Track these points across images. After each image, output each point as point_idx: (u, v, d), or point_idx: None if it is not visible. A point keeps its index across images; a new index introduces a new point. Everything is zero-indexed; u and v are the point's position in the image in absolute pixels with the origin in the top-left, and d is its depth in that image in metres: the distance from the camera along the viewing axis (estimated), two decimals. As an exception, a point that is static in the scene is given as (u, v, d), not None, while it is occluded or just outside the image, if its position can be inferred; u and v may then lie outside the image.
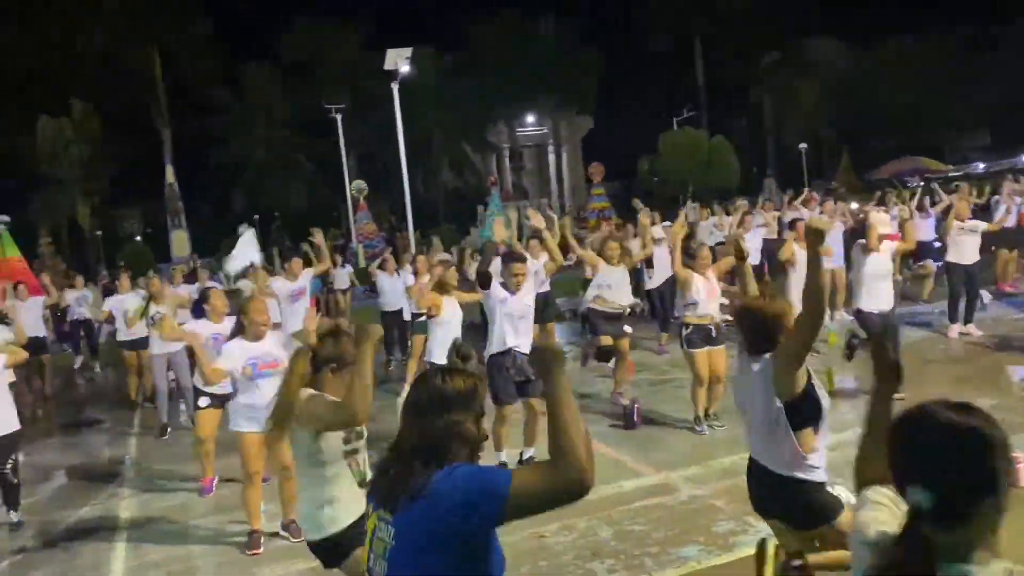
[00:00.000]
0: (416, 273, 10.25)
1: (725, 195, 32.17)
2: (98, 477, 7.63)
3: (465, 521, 1.80)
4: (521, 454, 6.36)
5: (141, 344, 9.82)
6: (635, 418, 7.28)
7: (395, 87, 23.54)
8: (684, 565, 4.56)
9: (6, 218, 20.80)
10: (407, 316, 10.76)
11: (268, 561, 5.19)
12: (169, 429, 8.87)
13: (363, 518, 3.34)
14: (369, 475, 3.41)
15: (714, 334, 7.03)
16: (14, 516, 6.34)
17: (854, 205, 14.63)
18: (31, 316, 11.10)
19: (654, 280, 11.01)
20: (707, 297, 7.03)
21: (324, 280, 15.49)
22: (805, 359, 3.22)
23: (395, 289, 11.12)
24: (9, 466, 6.25)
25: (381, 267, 11.78)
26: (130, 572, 5.30)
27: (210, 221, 42.80)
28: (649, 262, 10.73)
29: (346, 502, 3.28)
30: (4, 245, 20.12)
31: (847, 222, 11.85)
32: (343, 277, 16.62)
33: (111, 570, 5.36)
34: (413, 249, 21.55)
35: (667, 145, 41.34)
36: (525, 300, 6.29)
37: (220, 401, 6.28)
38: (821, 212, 13.18)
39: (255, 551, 5.31)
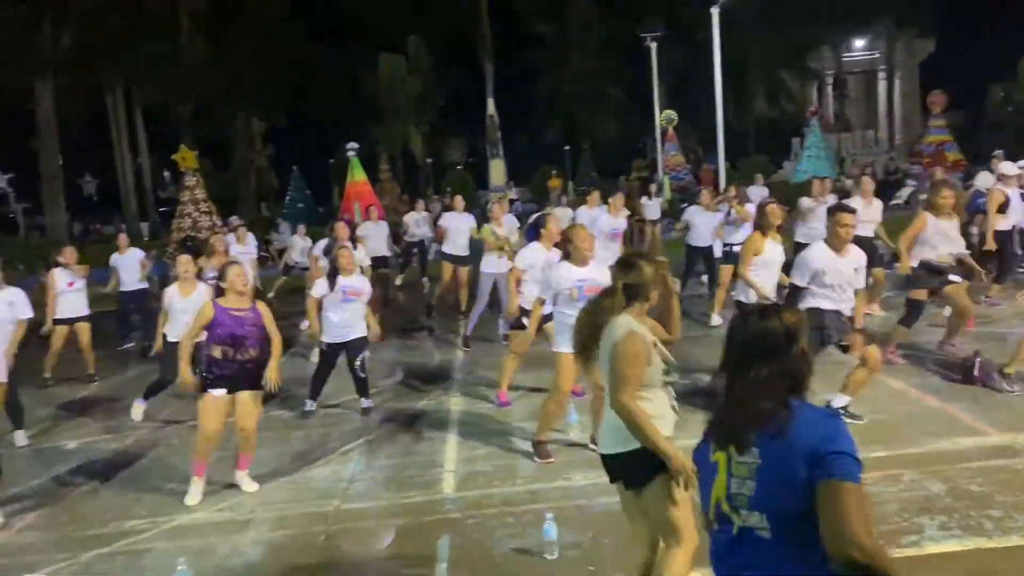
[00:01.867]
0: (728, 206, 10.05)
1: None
2: (431, 377, 8.52)
3: (807, 471, 1.88)
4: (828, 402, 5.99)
5: (467, 260, 10.70)
6: (976, 372, 6.56)
7: (715, 11, 22.66)
8: (1033, 534, 4.09)
9: (355, 146, 23.57)
10: (718, 253, 10.62)
11: (581, 468, 5.50)
12: (470, 342, 9.60)
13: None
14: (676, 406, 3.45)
15: None
16: (365, 403, 7.33)
17: None
18: (378, 238, 12.54)
19: (1007, 221, 9.68)
20: None
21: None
22: None
23: (707, 224, 10.87)
24: (358, 363, 7.22)
25: (697, 201, 11.59)
26: (461, 462, 5.89)
27: (525, 151, 44.93)
28: None
29: (656, 422, 3.30)
30: (354, 170, 22.83)
31: None
32: (654, 208, 16.63)
33: (446, 459, 6.00)
34: (723, 182, 20.87)
35: (1027, 69, 35.69)
36: (849, 263, 5.83)
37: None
38: None
39: (545, 459, 5.66)
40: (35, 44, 28.48)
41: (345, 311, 7.09)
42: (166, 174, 45.12)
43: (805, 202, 10.15)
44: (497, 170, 38.99)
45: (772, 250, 6.79)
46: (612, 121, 43.43)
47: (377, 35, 40.59)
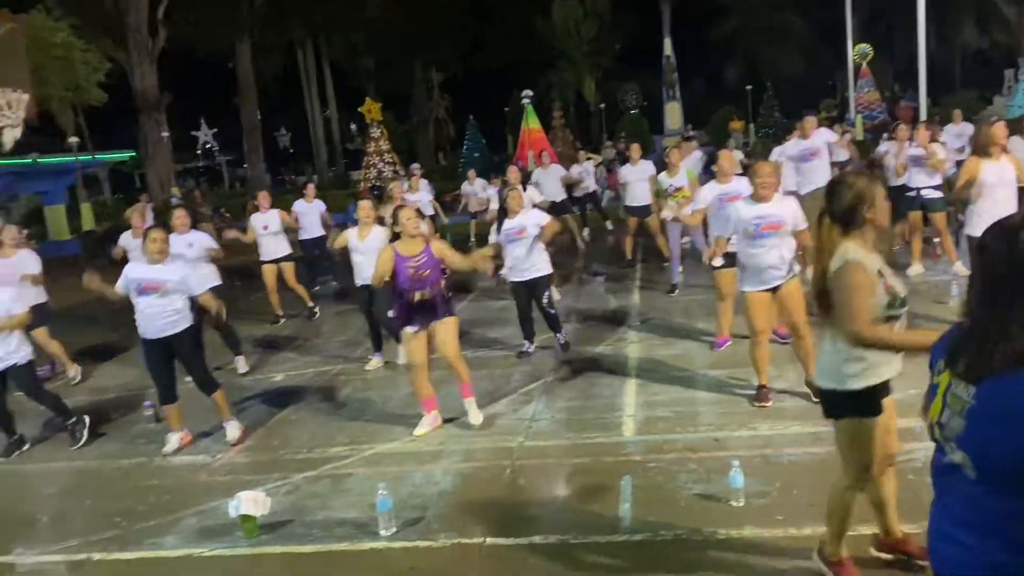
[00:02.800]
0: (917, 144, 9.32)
1: None
2: (608, 321, 8.53)
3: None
4: None
5: (644, 212, 10.69)
6: None
7: (918, -69, 20.63)
8: None
9: (530, 93, 23.66)
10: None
11: (768, 418, 5.36)
12: (677, 288, 9.42)
13: (886, 384, 3.21)
14: None
15: None
16: (560, 338, 7.50)
17: None
18: (553, 182, 12.68)
19: None
20: None
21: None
22: None
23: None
24: (545, 300, 7.37)
25: (891, 138, 10.85)
26: (641, 406, 5.90)
27: (703, 93, 43.38)
28: None
29: (874, 363, 3.11)
30: (528, 117, 22.94)
31: None
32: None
33: (625, 403, 6.02)
34: (924, 117, 19.22)
35: None
36: None
37: (732, 260, 6.49)
38: None
39: (763, 403, 5.53)
40: (234, 7, 30.60)
41: (515, 249, 7.24)
42: (352, 126, 47.42)
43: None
44: (673, 113, 37.89)
45: (995, 172, 6.19)
46: (798, 57, 40.88)
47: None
